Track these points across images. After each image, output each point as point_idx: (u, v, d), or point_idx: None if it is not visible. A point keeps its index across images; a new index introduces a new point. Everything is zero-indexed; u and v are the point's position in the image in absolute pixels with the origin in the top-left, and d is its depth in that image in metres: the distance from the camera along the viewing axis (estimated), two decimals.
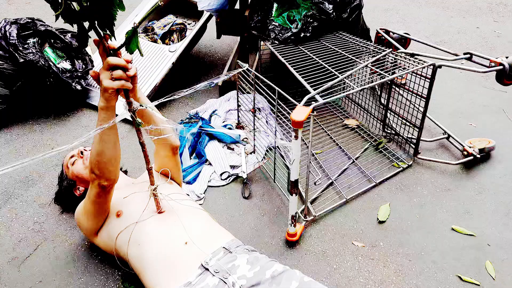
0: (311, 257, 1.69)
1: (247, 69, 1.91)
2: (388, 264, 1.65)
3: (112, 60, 1.18)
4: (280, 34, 2.16)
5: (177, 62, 2.48)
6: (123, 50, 1.21)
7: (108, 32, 1.17)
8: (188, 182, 1.98)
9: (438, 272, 1.62)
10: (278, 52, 2.04)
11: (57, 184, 1.88)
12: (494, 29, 3.36)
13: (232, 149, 2.13)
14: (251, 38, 2.37)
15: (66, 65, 2.46)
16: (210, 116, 2.32)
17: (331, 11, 2.15)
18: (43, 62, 2.27)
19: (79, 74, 2.46)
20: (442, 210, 1.87)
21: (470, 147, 2.05)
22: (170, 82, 2.53)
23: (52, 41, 2.46)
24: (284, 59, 1.96)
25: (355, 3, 2.27)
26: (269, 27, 2.19)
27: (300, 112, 1.43)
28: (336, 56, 2.02)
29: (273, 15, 2.24)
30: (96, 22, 1.14)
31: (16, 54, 2.24)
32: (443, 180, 2.01)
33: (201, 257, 1.38)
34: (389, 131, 2.24)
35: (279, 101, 1.73)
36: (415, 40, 2.30)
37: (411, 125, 2.08)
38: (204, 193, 1.95)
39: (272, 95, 1.75)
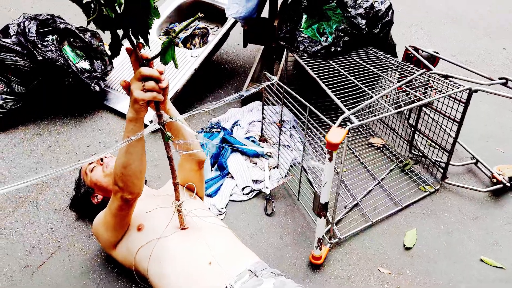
0: (336, 281, 1.63)
1: (275, 81, 1.85)
2: None
3: (145, 70, 1.12)
4: (310, 47, 2.10)
5: (199, 68, 2.42)
6: (155, 60, 1.15)
7: (142, 40, 1.11)
8: (209, 195, 1.91)
9: None
10: (307, 65, 1.98)
11: (73, 189, 1.81)
12: None
13: (255, 163, 2.07)
14: (277, 49, 2.31)
15: (85, 65, 2.40)
16: (232, 126, 2.26)
17: (363, 26, 2.08)
18: (62, 61, 2.21)
19: (98, 75, 2.40)
20: (470, 239, 1.80)
21: (499, 174, 1.98)
22: (191, 87, 2.46)
23: (72, 39, 2.39)
24: (314, 73, 1.90)
25: (386, 19, 2.21)
26: (298, 39, 2.13)
27: (336, 134, 1.37)
28: (367, 73, 1.96)
29: (302, 27, 2.18)
30: (130, 30, 1.08)
31: (35, 52, 2.17)
32: (471, 208, 1.94)
33: (225, 279, 1.32)
34: (416, 153, 2.17)
35: (309, 119, 1.67)
36: (445, 60, 2.23)
37: (440, 149, 2.01)
38: (225, 207, 1.89)
39: (302, 111, 1.69)
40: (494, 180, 1.99)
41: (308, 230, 1.82)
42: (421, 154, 2.13)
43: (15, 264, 1.64)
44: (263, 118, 2.14)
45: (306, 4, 2.18)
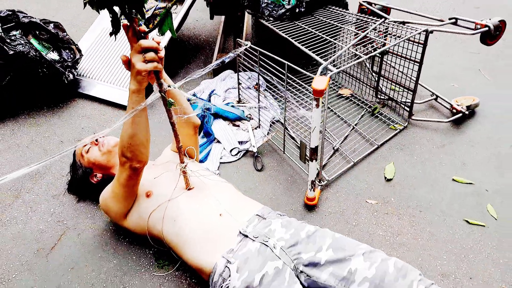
0: (331, 217, 1.80)
1: (250, 46, 1.95)
2: (402, 216, 1.79)
3: (145, 42, 1.20)
4: (274, 11, 2.22)
5: (167, 46, 2.48)
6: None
7: (138, 15, 1.19)
8: (201, 161, 2.02)
9: (447, 218, 1.77)
10: (276, 28, 2.10)
11: (68, 173, 1.87)
12: None
13: (238, 126, 2.19)
14: (241, 18, 2.40)
15: (54, 56, 2.40)
16: (209, 96, 2.35)
17: None
18: (34, 53, 2.21)
19: (70, 64, 2.41)
20: (441, 165, 2.02)
21: (458, 105, 2.21)
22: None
23: (37, 32, 2.38)
24: (284, 33, 2.03)
25: None
26: (262, 5, 2.24)
27: (320, 81, 1.51)
28: (332, 28, 2.10)
29: None
30: (126, 6, 1.16)
31: (5, 47, 2.16)
32: (438, 137, 2.16)
33: (237, 226, 1.45)
34: (383, 97, 2.36)
35: (289, 75, 1.80)
36: (397, 9, 2.42)
37: (404, 89, 2.21)
38: (217, 169, 2.01)
39: (280, 69, 1.82)
40: (454, 110, 2.22)
41: (298, 178, 1.98)
42: (387, 98, 2.33)
43: (27, 249, 1.69)
44: (239, 84, 2.25)
45: None
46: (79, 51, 2.52)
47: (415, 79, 2.09)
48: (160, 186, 1.57)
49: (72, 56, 2.46)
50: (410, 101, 2.17)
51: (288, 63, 1.76)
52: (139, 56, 1.22)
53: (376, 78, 2.31)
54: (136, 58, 1.22)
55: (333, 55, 1.74)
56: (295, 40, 1.94)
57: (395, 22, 2.10)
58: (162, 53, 1.26)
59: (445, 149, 2.10)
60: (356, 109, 2.35)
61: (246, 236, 1.42)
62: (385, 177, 1.96)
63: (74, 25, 3.15)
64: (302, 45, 1.90)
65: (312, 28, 2.08)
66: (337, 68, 1.65)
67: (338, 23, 2.14)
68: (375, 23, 2.06)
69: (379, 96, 2.37)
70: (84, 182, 1.77)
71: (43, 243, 1.71)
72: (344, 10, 2.31)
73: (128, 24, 1.18)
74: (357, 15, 2.24)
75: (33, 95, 2.38)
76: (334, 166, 2.01)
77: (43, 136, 2.23)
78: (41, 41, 2.39)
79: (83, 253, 1.67)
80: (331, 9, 2.33)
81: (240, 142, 2.11)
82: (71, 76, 2.38)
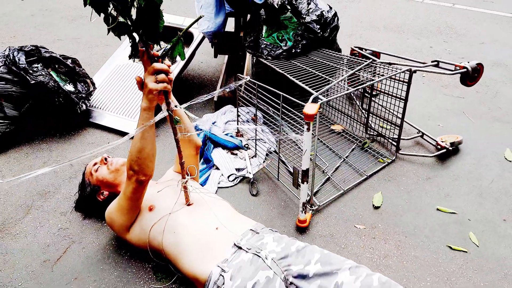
0: (321, 239, 1.91)
1: (249, 80, 2.16)
2: (388, 241, 1.90)
3: (158, 65, 1.40)
4: (272, 51, 2.44)
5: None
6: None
7: (153, 42, 1.39)
8: (201, 184, 2.16)
9: (431, 244, 1.88)
10: (273, 65, 2.32)
11: (77, 192, 2.00)
12: (445, 48, 3.83)
13: (235, 155, 2.34)
14: (243, 57, 2.63)
15: (70, 87, 2.61)
16: (210, 127, 2.53)
17: (318, 30, 2.46)
18: (52, 84, 2.42)
19: (83, 96, 2.61)
20: (427, 195, 2.15)
21: (442, 142, 2.37)
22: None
23: (56, 66, 2.60)
24: (280, 70, 2.24)
25: (333, 24, 2.61)
26: (262, 46, 2.47)
27: (311, 107, 1.68)
28: (323, 66, 2.32)
29: (263, 36, 2.53)
30: (143, 34, 1.36)
31: (28, 77, 2.37)
32: (423, 171, 2.31)
33: (232, 238, 1.57)
34: (372, 133, 2.53)
35: (283, 104, 1.98)
36: (385, 54, 2.65)
37: (392, 125, 2.38)
38: (215, 193, 2.14)
39: (277, 100, 2.00)
40: (439, 147, 2.38)
41: (291, 203, 2.10)
42: (376, 134, 2.50)
43: (34, 260, 1.79)
44: (238, 115, 2.43)
45: (264, 17, 2.54)
46: (93, 84, 2.73)
47: (401, 115, 2.27)
48: (163, 200, 1.71)
49: (86, 88, 2.67)
50: (397, 136, 2.34)
51: (283, 94, 1.94)
52: (152, 77, 1.40)
53: (366, 115, 2.49)
54: (149, 78, 1.41)
55: (324, 88, 1.93)
56: (290, 75, 2.14)
57: (382, 63, 2.32)
58: (172, 76, 1.45)
59: (430, 181, 2.24)
60: (347, 143, 2.52)
61: (240, 247, 1.53)
62: (373, 205, 2.09)
63: (89, 63, 3.40)
64: (296, 79, 2.10)
65: (306, 66, 2.29)
66: (326, 98, 1.83)
67: (331, 62, 2.36)
68: (363, 63, 2.27)
69: (368, 132, 2.54)
70: (91, 200, 1.90)
71: (49, 255, 1.82)
72: (336, 52, 2.54)
73: (144, 49, 1.37)
74: (348, 57, 2.46)
75: (48, 122, 2.56)
76: (325, 193, 2.15)
77: (54, 160, 2.38)
78: (59, 74, 2.61)
79: (86, 265, 1.78)
80: (325, 51, 2.56)
81: (238, 169, 2.25)
82: (84, 106, 2.58)
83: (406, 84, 2.18)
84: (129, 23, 1.31)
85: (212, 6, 2.41)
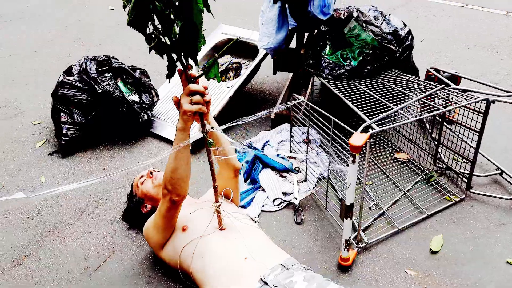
0: (364, 282, 1.73)
1: (302, 101, 2.05)
2: None
3: (193, 86, 1.36)
4: (334, 71, 2.31)
5: (233, 97, 2.67)
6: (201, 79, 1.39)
7: (192, 62, 1.35)
8: (243, 206, 2.09)
9: None
10: (332, 86, 2.18)
11: (125, 202, 2.05)
12: None
13: (284, 177, 2.24)
14: (304, 75, 2.52)
15: (135, 97, 2.71)
16: (263, 146, 2.46)
17: (389, 50, 2.27)
18: (118, 94, 2.53)
19: (146, 106, 2.70)
20: (497, 244, 1.86)
21: None
22: (226, 115, 2.70)
23: (124, 76, 2.72)
24: (338, 91, 2.10)
25: (407, 43, 2.40)
26: (323, 64, 2.34)
27: (358, 138, 1.54)
28: (389, 90, 2.13)
29: (326, 53, 2.40)
30: (182, 53, 1.33)
31: (96, 86, 2.51)
32: (497, 215, 2.01)
33: (260, 272, 1.47)
34: (441, 166, 2.27)
35: (334, 130, 1.84)
36: (466, 78, 2.37)
37: (463, 159, 2.11)
38: (258, 216, 2.06)
39: (328, 124, 1.87)
40: None
41: (337, 236, 1.95)
42: (445, 167, 2.23)
43: (77, 266, 1.86)
44: (291, 136, 2.33)
45: (329, 34, 2.41)
46: (157, 95, 2.81)
47: (474, 149, 2.00)
48: (196, 222, 1.67)
49: (150, 99, 2.76)
50: (468, 172, 2.07)
51: (335, 119, 1.81)
52: (187, 98, 1.37)
53: (435, 145, 2.24)
54: (184, 99, 1.38)
55: (379, 115, 1.76)
56: (346, 98, 1.99)
57: (456, 89, 2.07)
58: (207, 97, 1.40)
59: (504, 228, 1.94)
60: (411, 175, 2.28)
61: (266, 283, 1.44)
62: (430, 249, 1.85)
63: (161, 73, 3.50)
64: (353, 103, 1.95)
65: (370, 89, 2.12)
66: (380, 127, 1.66)
67: (395, 85, 2.16)
68: (432, 88, 2.05)
69: (437, 164, 2.28)
70: (136, 211, 1.93)
71: (90, 262, 1.88)
72: (406, 74, 2.32)
73: (182, 69, 1.34)
74: (419, 80, 2.23)
75: (112, 130, 2.68)
76: (376, 230, 1.96)
77: (113, 167, 2.48)
78: (127, 84, 2.72)
79: (121, 277, 1.80)
80: (393, 73, 2.36)
81: (284, 193, 2.15)
82: (145, 116, 2.66)
83: (482, 115, 1.91)
84: (169, 42, 1.30)
85: (273, 22, 2.34)
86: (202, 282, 1.55)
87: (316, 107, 1.96)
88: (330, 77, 2.31)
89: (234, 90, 2.71)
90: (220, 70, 3.03)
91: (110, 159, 2.54)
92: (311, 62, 2.38)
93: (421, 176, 2.26)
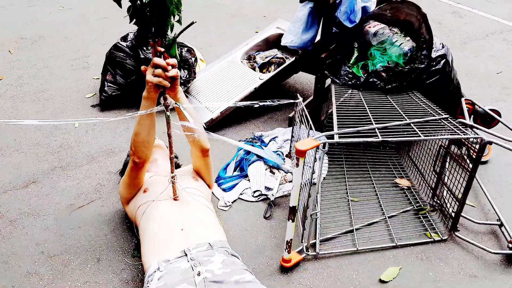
0: None
1: (299, 102, 2.07)
2: None
3: (156, 60, 1.50)
4: (351, 81, 2.26)
5: (259, 88, 2.75)
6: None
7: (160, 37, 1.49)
8: (224, 190, 2.19)
9: None
10: (336, 91, 2.16)
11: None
12: None
13: (273, 173, 2.28)
14: (323, 79, 2.49)
15: None
16: (269, 141, 2.51)
17: (411, 69, 2.16)
18: None
19: (182, 81, 2.90)
20: None
21: None
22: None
23: None
24: (337, 98, 2.07)
25: (437, 67, 2.25)
26: (342, 72, 2.31)
27: (305, 143, 1.54)
28: (387, 109, 2.04)
29: (350, 62, 2.36)
30: (153, 29, 1.48)
31: (140, 52, 2.78)
32: (473, 266, 1.83)
33: (187, 244, 1.57)
34: (438, 201, 2.12)
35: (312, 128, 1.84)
36: (503, 123, 2.14)
37: (453, 197, 1.95)
38: (232, 202, 2.14)
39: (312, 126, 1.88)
40: (510, 246, 1.85)
41: (295, 239, 1.95)
42: (439, 204, 2.08)
43: (65, 201, 2.14)
44: (292, 137, 2.35)
45: (357, 46, 2.36)
46: (194, 73, 3.00)
47: (464, 189, 1.84)
48: (156, 187, 1.82)
49: (187, 76, 2.96)
50: (455, 212, 1.91)
51: (311, 123, 1.81)
52: (151, 70, 1.52)
53: (436, 179, 2.09)
54: (148, 71, 1.53)
55: (354, 129, 1.72)
56: (337, 106, 1.97)
57: (459, 122, 1.91)
58: (170, 73, 1.53)
59: (473, 281, 1.77)
60: (403, 203, 2.16)
61: (186, 255, 1.53)
62: (380, 278, 1.77)
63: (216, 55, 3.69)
64: (341, 112, 1.92)
65: (368, 103, 2.06)
66: (340, 138, 1.64)
67: (398, 106, 2.06)
68: (434, 117, 1.92)
69: (435, 200, 2.12)
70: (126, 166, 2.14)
71: (77, 201, 2.15)
72: (424, 99, 2.19)
73: (152, 42, 1.49)
74: (430, 107, 2.09)
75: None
76: (336, 243, 1.92)
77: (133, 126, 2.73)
78: None
79: (93, 220, 2.04)
80: (412, 95, 2.23)
81: (267, 188, 2.19)
82: None
83: (475, 156, 1.75)
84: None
85: (301, 22, 2.36)
86: (141, 240, 1.70)
87: (305, 110, 1.97)
88: (343, 85, 2.27)
89: (261, 82, 2.79)
90: (263, 62, 3.12)
91: (133, 123, 2.79)
92: (330, 66, 2.35)
93: (412, 207, 2.13)
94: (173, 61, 1.55)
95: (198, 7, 4.79)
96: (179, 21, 1.49)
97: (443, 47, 2.30)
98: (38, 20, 4.45)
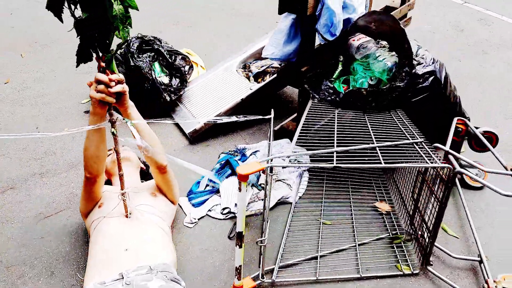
0: None
1: (271, 117, 1.98)
2: None
3: (98, 75, 1.46)
4: (329, 97, 2.14)
5: (246, 99, 2.67)
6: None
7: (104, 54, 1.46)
8: (193, 205, 2.13)
9: None
10: (310, 107, 2.05)
11: None
12: None
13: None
14: (304, 93, 2.38)
15: (165, 79, 2.90)
16: (250, 154, 2.42)
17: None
18: (146, 70, 2.75)
19: (172, 89, 2.87)
20: None
21: (494, 282, 1.65)
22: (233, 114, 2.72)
23: (161, 58, 2.93)
24: (308, 115, 1.97)
25: (425, 84, 2.09)
26: (323, 87, 2.19)
27: (247, 167, 1.45)
28: (360, 130, 1.91)
29: (333, 76, 2.24)
30: (97, 45, 1.45)
31: (131, 60, 2.77)
32: None
33: (126, 266, 1.52)
34: (415, 230, 1.96)
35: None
36: (492, 153, 1.94)
37: (425, 228, 1.79)
38: (199, 219, 2.07)
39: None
40: (486, 286, 1.67)
41: (254, 264, 1.86)
42: (414, 234, 1.92)
43: (35, 210, 2.15)
44: (269, 151, 2.25)
45: (342, 60, 2.24)
46: (186, 82, 2.96)
47: (435, 220, 1.68)
48: (110, 203, 1.79)
49: (179, 84, 2.92)
50: (429, 244, 1.75)
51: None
52: (94, 85, 1.49)
53: (413, 207, 1.94)
54: (92, 86, 1.50)
55: (313, 152, 1.61)
56: (304, 123, 1.87)
57: (435, 147, 1.75)
58: (113, 89, 1.49)
59: None
60: (380, 229, 2.02)
61: (123, 278, 1.49)
62: None
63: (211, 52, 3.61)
64: (304, 130, 1.82)
65: (340, 121, 1.94)
66: (283, 160, 1.53)
67: (372, 127, 1.92)
68: (408, 141, 1.77)
69: (412, 227, 1.97)
70: None
71: (46, 209, 2.15)
72: (405, 119, 2.03)
73: (96, 57, 1.46)
74: (408, 130, 1.93)
75: (136, 103, 2.91)
76: (297, 271, 1.81)
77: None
78: (162, 66, 2.93)
79: (56, 231, 2.04)
80: (393, 114, 2.08)
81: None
82: (168, 98, 2.83)
83: (445, 185, 1.59)
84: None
85: (283, 34, 2.26)
86: (88, 257, 1.67)
87: (272, 128, 1.87)
88: (323, 100, 2.15)
89: (250, 92, 2.71)
90: (258, 71, 3.04)
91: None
92: (311, 79, 2.24)
93: (388, 234, 1.98)
94: (115, 76, 1.51)
95: (198, 7, 4.74)
96: (123, 37, 1.45)
97: (433, 62, 2.13)
98: (53, 23, 4.56)
